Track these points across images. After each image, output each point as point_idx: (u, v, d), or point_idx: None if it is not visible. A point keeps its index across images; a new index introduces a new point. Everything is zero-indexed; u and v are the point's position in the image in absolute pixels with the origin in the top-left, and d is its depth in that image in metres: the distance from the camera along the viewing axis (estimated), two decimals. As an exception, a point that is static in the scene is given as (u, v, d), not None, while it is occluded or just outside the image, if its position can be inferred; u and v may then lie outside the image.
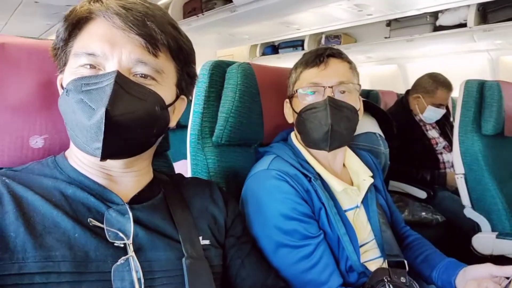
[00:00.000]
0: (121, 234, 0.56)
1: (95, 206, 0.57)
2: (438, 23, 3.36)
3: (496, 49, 3.55)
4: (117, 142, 0.53)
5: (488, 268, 0.80)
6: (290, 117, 0.98)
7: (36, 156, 0.66)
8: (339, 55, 0.92)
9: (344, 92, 0.89)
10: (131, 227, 0.57)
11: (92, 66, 0.55)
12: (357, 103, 0.91)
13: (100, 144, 0.51)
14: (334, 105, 0.86)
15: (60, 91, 0.61)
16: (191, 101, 1.03)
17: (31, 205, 0.53)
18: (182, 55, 0.62)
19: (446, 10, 3.23)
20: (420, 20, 3.46)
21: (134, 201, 0.61)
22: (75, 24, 0.57)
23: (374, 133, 1.69)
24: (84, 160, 0.60)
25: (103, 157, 0.53)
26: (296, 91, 0.92)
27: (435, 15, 3.37)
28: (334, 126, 0.85)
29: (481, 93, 1.59)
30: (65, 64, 0.59)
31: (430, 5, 2.93)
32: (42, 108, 0.67)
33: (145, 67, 0.57)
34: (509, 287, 0.74)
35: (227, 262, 0.70)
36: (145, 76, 0.57)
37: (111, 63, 0.55)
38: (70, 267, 0.51)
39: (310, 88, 0.89)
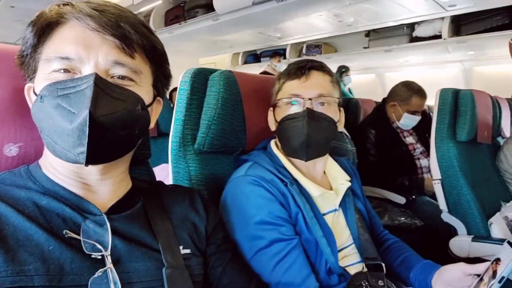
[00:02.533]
0: (98, 246, 0.54)
1: (71, 217, 0.55)
2: (414, 34, 3.49)
3: (469, 60, 3.71)
4: (101, 145, 0.52)
5: (461, 267, 0.83)
6: (273, 125, 0.99)
7: (10, 165, 0.64)
8: (321, 68, 0.94)
9: (323, 104, 0.91)
10: (109, 238, 0.55)
11: (67, 71, 0.54)
12: (336, 115, 0.93)
13: (84, 148, 0.50)
14: (312, 116, 0.88)
15: (30, 99, 0.60)
16: (173, 108, 1.03)
17: (2, 217, 0.51)
18: (157, 55, 0.62)
19: (422, 22, 3.35)
20: (398, 31, 3.59)
21: (112, 211, 0.59)
22: (45, 28, 0.55)
23: (341, 132, 1.72)
24: (60, 168, 0.58)
25: (88, 162, 0.51)
26: (278, 101, 0.94)
27: (411, 26, 3.50)
28: (310, 136, 0.87)
29: (455, 101, 1.65)
30: (34, 72, 0.57)
31: (407, 17, 3.04)
32: (17, 115, 0.65)
33: (123, 68, 0.56)
34: (480, 284, 0.76)
35: (208, 270, 0.70)
36: (122, 78, 0.57)
37: (88, 66, 0.54)
38: (44, 281, 0.49)
39: (291, 99, 0.92)
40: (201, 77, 0.99)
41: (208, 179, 0.97)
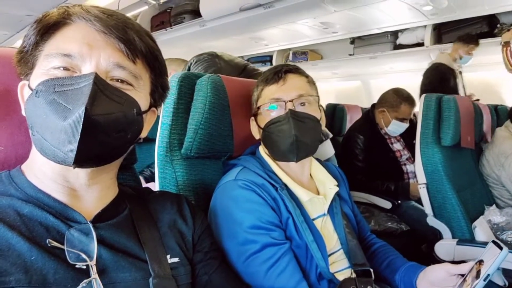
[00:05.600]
0: (83, 255, 0.52)
1: (55, 226, 0.53)
2: (398, 41, 3.57)
3: (451, 67, 3.79)
4: (92, 144, 0.51)
5: (445, 267, 0.84)
6: (257, 134, 1.00)
7: (-11, 171, 0.62)
8: (296, 70, 0.96)
9: (304, 104, 0.93)
10: (94, 247, 0.54)
11: (66, 69, 0.53)
12: (318, 113, 0.95)
13: (74, 146, 0.49)
14: (296, 117, 0.89)
15: (22, 97, 0.58)
16: (158, 116, 1.01)
17: None
18: (158, 65, 0.63)
19: (405, 30, 3.43)
20: (382, 38, 3.67)
21: (98, 219, 0.58)
22: (50, 27, 0.55)
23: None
24: (47, 171, 0.56)
25: (76, 161, 0.50)
26: (259, 108, 0.95)
27: (395, 34, 3.58)
28: (299, 136, 0.88)
29: (439, 107, 1.68)
30: (32, 68, 0.56)
31: (390, 24, 3.10)
32: (-3, 119, 0.63)
33: (123, 72, 0.56)
34: (464, 285, 0.77)
35: (194, 279, 0.68)
36: (122, 81, 0.57)
37: (88, 66, 0.54)
38: None
39: (271, 103, 0.92)
40: (188, 82, 0.98)
41: (196, 184, 0.95)
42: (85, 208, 0.58)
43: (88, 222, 0.56)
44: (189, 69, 1.72)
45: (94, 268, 0.53)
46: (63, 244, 0.52)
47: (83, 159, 0.51)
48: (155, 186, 0.93)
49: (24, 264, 0.49)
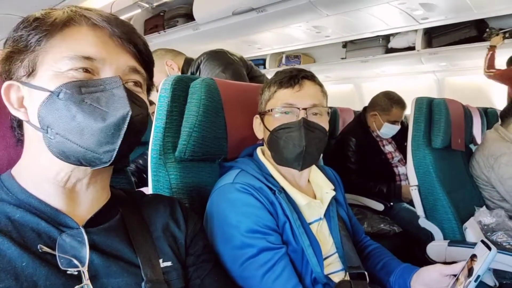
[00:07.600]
0: (75, 261, 0.52)
1: (46, 231, 0.53)
2: (389, 45, 3.61)
3: (441, 71, 3.85)
4: (128, 144, 0.55)
5: (438, 268, 0.85)
6: (260, 133, 0.99)
7: (-20, 175, 0.61)
8: (312, 78, 0.95)
9: (316, 114, 0.92)
10: (86, 252, 0.53)
11: (86, 71, 0.54)
12: (327, 125, 0.94)
13: (113, 146, 0.52)
14: (308, 126, 0.88)
15: (8, 98, 0.56)
16: (151, 119, 1.01)
17: None
18: (152, 68, 0.66)
19: (396, 34, 3.48)
20: (373, 42, 3.71)
21: (90, 224, 0.57)
22: (55, 27, 0.54)
23: None
24: (50, 174, 0.55)
25: (114, 161, 0.53)
26: (270, 110, 0.93)
27: (386, 38, 3.62)
28: (308, 147, 0.87)
29: (430, 109, 1.70)
30: (34, 68, 0.54)
31: (382, 28, 3.14)
32: (-12, 121, 0.62)
33: (137, 75, 0.60)
34: (457, 284, 0.78)
35: (187, 282, 0.68)
36: (136, 84, 0.60)
37: (108, 69, 0.55)
38: None
39: (285, 108, 0.91)
40: (182, 85, 0.98)
41: (190, 187, 0.95)
42: (77, 212, 0.58)
43: (80, 227, 0.55)
44: (198, 68, 1.66)
45: (86, 273, 0.52)
46: (54, 249, 0.51)
47: (118, 159, 0.54)
48: (148, 190, 0.92)
49: (15, 270, 0.48)
